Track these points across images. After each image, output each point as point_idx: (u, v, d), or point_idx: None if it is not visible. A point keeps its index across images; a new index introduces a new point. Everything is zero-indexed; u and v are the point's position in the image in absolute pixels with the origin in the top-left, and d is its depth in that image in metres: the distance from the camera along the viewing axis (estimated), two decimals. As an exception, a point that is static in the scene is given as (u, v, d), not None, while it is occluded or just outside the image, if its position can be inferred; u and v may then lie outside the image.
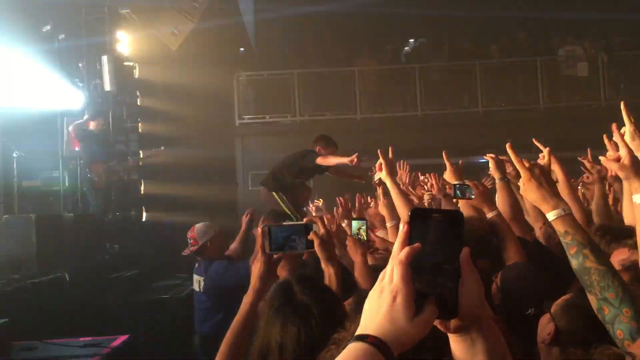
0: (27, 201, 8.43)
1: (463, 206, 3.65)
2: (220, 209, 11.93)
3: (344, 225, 4.66)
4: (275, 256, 2.30)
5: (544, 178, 2.11)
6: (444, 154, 3.97)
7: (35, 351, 4.73)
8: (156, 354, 5.01)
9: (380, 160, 3.87)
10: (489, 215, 3.31)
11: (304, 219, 4.92)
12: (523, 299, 2.44)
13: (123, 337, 5.01)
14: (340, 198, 4.89)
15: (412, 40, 15.94)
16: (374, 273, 3.26)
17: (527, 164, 2.07)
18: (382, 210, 4.49)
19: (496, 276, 2.70)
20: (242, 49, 15.45)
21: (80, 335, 5.19)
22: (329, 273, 2.44)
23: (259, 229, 2.34)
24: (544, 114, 13.87)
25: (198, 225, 5.13)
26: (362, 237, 3.38)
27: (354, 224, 3.48)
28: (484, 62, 14.46)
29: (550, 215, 1.94)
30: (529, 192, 2.03)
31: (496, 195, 3.67)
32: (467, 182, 3.55)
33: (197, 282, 5.15)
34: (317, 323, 1.87)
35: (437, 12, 15.27)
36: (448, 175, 3.98)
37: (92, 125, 9.32)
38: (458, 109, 14.32)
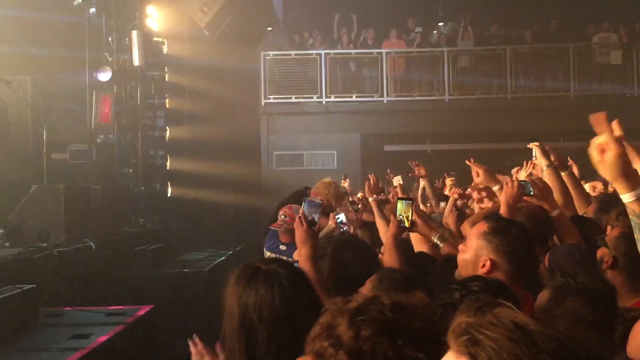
0: (55, 173, 8.56)
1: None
2: (245, 187, 12.00)
3: (371, 200, 4.64)
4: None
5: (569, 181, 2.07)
6: (471, 161, 3.86)
7: (62, 317, 4.84)
8: (179, 325, 5.08)
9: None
10: (552, 214, 3.15)
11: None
12: None
13: (147, 307, 5.10)
14: (371, 175, 4.87)
15: (441, 23, 15.71)
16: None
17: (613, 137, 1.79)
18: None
19: (544, 257, 2.65)
20: (269, 28, 15.39)
21: (105, 304, 5.29)
22: None
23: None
24: (574, 102, 13.61)
25: (295, 206, 5.03)
26: (404, 219, 3.23)
27: (399, 204, 3.33)
28: (515, 47, 14.22)
29: (628, 196, 1.84)
30: (609, 168, 1.77)
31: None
32: (526, 179, 3.40)
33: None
34: (289, 285, 1.91)
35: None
36: (481, 179, 3.87)
37: None
38: (486, 94, 14.13)
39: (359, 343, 1.25)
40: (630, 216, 1.85)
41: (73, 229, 6.78)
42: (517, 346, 0.86)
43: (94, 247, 6.62)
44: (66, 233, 6.64)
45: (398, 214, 3.31)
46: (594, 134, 1.84)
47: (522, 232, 2.46)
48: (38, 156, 7.90)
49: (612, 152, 1.70)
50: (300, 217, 2.98)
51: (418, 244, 3.45)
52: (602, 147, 1.70)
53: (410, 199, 3.53)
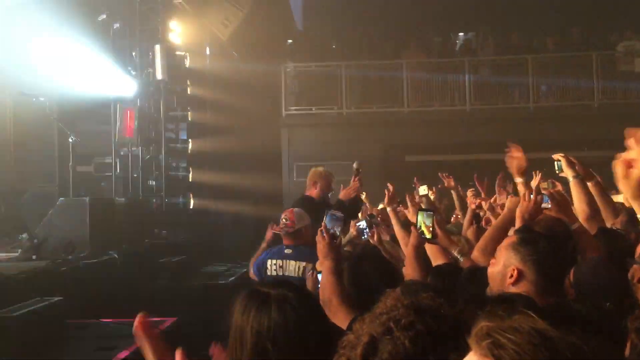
0: (80, 185, 8.69)
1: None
2: (266, 199, 12.05)
3: (389, 210, 4.64)
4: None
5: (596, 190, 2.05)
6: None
7: (88, 330, 4.90)
8: (203, 337, 5.10)
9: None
10: (572, 227, 3.10)
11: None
12: (597, 295, 2.36)
13: (171, 320, 5.13)
14: (389, 184, 4.88)
15: (461, 33, 15.69)
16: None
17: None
18: None
19: (569, 272, 2.62)
20: (289, 40, 15.52)
21: (129, 316, 5.34)
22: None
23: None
24: (598, 111, 13.47)
25: (296, 210, 5.01)
26: (425, 231, 3.21)
27: (420, 215, 3.31)
28: (537, 56, 14.12)
29: None
30: (632, 186, 1.72)
31: (572, 194, 3.57)
32: (544, 192, 3.32)
33: (296, 267, 5.04)
34: (301, 309, 1.88)
35: (487, 5, 15.03)
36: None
37: None
38: (508, 104, 14.04)
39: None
40: None
41: (98, 241, 6.87)
42: (538, 350, 0.90)
43: (118, 259, 6.70)
44: (91, 245, 6.72)
45: (418, 224, 3.30)
46: (618, 143, 1.80)
47: (551, 244, 2.46)
48: (64, 169, 8.03)
49: (639, 170, 1.66)
50: (322, 230, 2.98)
51: (435, 256, 3.42)
52: (630, 163, 1.67)
53: (431, 209, 3.50)
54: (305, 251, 4.87)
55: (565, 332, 0.93)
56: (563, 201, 3.22)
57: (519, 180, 3.74)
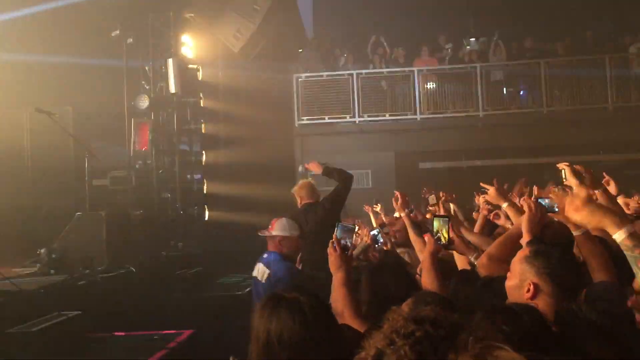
0: (97, 199, 8.77)
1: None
2: (280, 209, 12.04)
3: (402, 215, 4.64)
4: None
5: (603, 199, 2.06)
6: (494, 183, 3.93)
7: (107, 343, 4.93)
8: (220, 348, 5.11)
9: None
10: (575, 233, 2.99)
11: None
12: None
13: (188, 332, 5.16)
14: (397, 192, 4.89)
15: (473, 39, 15.66)
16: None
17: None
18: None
19: (582, 292, 2.59)
20: (301, 50, 15.58)
21: (147, 329, 5.38)
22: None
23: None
24: (612, 114, 13.36)
25: (285, 219, 5.10)
26: (442, 237, 3.24)
27: (436, 222, 3.33)
28: (549, 60, 14.06)
29: (619, 235, 1.90)
30: (588, 217, 2.00)
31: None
32: (550, 196, 3.34)
33: (262, 272, 5.14)
34: (309, 312, 2.02)
35: (499, 10, 15.00)
36: (490, 197, 3.98)
37: None
38: (521, 109, 13.99)
39: None
40: (625, 251, 1.87)
41: (115, 255, 6.93)
42: None
43: (135, 272, 6.75)
44: (108, 259, 6.78)
45: (435, 231, 3.30)
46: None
47: (565, 254, 2.46)
48: (80, 183, 8.12)
49: (579, 200, 1.83)
50: (333, 242, 2.99)
51: (460, 261, 3.43)
52: (574, 202, 1.81)
53: (447, 216, 3.51)
54: (273, 258, 5.02)
55: None
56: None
57: (504, 205, 3.86)
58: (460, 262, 3.45)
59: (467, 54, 14.80)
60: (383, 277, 3.21)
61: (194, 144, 11.10)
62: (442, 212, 4.75)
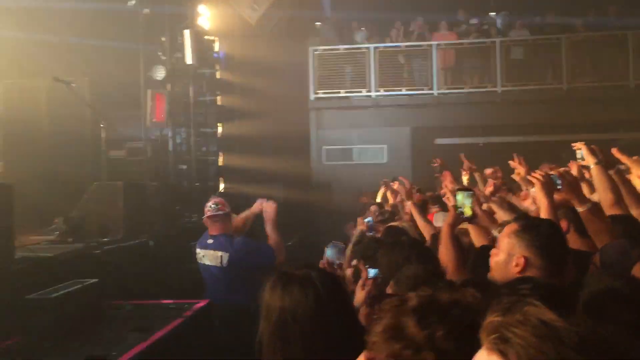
0: (113, 170, 8.82)
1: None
2: (294, 182, 12.09)
3: (409, 204, 4.67)
4: None
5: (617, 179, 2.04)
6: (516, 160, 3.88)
7: (123, 310, 4.99)
8: (234, 318, 5.16)
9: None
10: (580, 209, 3.04)
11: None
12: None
13: (204, 302, 5.21)
14: (402, 178, 4.91)
15: (493, 13, 15.38)
16: None
17: None
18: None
19: (594, 258, 2.59)
20: (318, 23, 15.43)
21: (163, 298, 5.44)
22: None
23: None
24: (634, 92, 13.12)
25: (218, 197, 5.50)
26: (464, 211, 3.22)
27: (459, 195, 3.30)
28: (571, 35, 13.79)
29: None
30: None
31: (595, 181, 3.51)
32: (553, 172, 3.32)
33: (217, 257, 5.23)
34: (322, 287, 2.02)
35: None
36: (521, 177, 3.96)
37: None
38: (541, 85, 13.77)
39: (436, 343, 1.28)
40: None
41: (131, 225, 6.97)
42: (543, 342, 0.93)
43: (151, 243, 6.81)
44: (125, 229, 6.83)
45: (458, 205, 3.29)
46: None
47: (552, 227, 2.48)
48: (97, 154, 8.16)
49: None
50: (324, 262, 3.04)
51: (477, 237, 3.41)
52: None
53: (470, 189, 3.49)
54: (224, 240, 5.20)
55: (574, 322, 0.95)
56: (574, 181, 3.17)
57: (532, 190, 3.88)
58: (478, 238, 3.42)
59: (487, 28, 14.55)
60: (395, 254, 3.16)
61: (210, 116, 11.11)
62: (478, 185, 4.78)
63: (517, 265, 2.35)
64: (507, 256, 2.41)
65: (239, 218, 5.81)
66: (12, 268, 4.77)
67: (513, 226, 2.47)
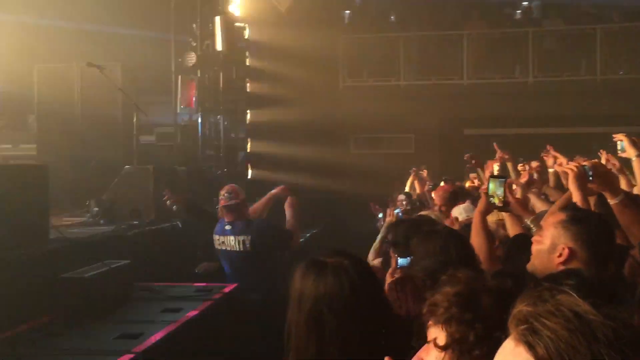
0: (144, 155, 8.94)
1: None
2: (323, 170, 12.11)
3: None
4: None
5: None
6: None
7: (154, 292, 5.08)
8: (262, 302, 5.22)
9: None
10: (612, 202, 2.87)
11: None
12: None
13: (233, 285, 5.27)
14: (415, 169, 4.86)
15: (525, 2, 15.12)
16: None
17: None
18: None
19: (633, 252, 2.54)
20: (347, 11, 15.35)
21: (192, 280, 5.53)
22: None
23: None
24: (670, 84, 12.81)
25: (231, 184, 5.52)
26: (496, 200, 3.13)
27: (491, 183, 3.22)
28: (605, 26, 13.49)
29: None
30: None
31: (636, 174, 3.45)
32: (585, 163, 3.24)
33: (239, 242, 5.27)
34: (357, 276, 1.97)
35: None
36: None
37: None
38: (574, 76, 13.52)
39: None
40: None
41: (161, 208, 7.07)
42: (574, 336, 0.87)
43: (180, 226, 6.90)
44: (155, 212, 6.94)
45: (490, 192, 3.23)
46: None
47: (602, 222, 2.41)
48: (128, 138, 8.28)
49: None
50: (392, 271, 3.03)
51: (512, 227, 3.37)
52: None
53: (504, 176, 3.43)
54: (242, 224, 5.28)
55: (609, 315, 0.89)
56: (606, 173, 3.06)
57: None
58: (513, 227, 3.37)
59: (519, 18, 14.32)
60: (429, 244, 3.13)
61: (239, 103, 11.17)
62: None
63: (560, 255, 2.30)
64: (550, 245, 2.36)
65: (259, 203, 5.90)
66: (47, 247, 4.89)
67: (560, 216, 2.41)
